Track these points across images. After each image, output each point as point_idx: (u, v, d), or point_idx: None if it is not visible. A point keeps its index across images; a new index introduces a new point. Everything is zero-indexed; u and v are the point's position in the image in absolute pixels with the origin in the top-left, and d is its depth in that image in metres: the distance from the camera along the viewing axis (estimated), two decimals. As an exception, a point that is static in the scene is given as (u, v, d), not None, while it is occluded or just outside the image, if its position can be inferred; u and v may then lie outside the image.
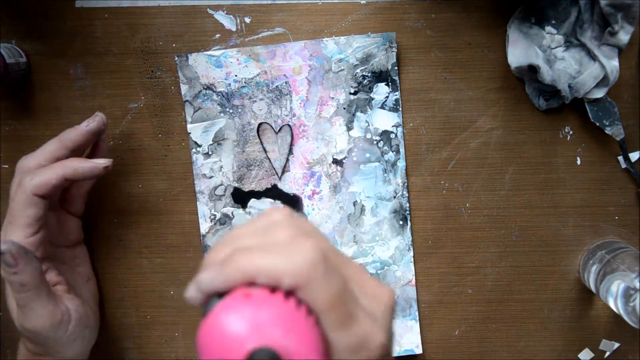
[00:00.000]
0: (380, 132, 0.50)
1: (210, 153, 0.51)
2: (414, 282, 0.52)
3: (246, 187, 0.51)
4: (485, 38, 0.49)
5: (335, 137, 0.50)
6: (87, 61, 0.50)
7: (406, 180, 0.51)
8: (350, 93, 0.50)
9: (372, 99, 0.50)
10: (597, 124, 0.49)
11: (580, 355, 0.53)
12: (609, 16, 0.45)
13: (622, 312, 0.43)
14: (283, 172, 0.51)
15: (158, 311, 0.53)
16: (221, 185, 0.51)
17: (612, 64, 0.47)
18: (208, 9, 0.49)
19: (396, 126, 0.50)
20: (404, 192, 0.51)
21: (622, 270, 0.44)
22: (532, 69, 0.47)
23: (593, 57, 0.47)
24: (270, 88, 0.50)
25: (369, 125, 0.50)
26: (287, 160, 0.51)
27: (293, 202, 0.51)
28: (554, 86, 0.47)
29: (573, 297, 0.52)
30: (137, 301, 0.53)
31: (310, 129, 0.50)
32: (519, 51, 0.48)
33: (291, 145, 0.50)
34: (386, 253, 0.51)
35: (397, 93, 0.50)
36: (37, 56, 0.50)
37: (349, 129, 0.50)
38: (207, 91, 0.50)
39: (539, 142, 0.51)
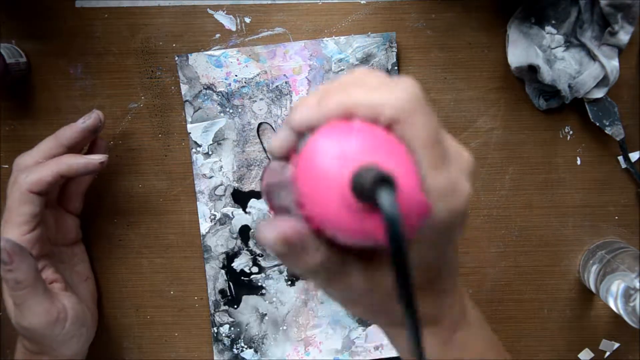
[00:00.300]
0: None
1: (210, 153, 0.51)
2: None
3: (246, 187, 0.51)
4: (485, 38, 0.49)
5: None
6: (87, 61, 0.50)
7: None
8: None
9: None
10: (597, 124, 0.49)
11: (580, 355, 0.53)
12: (609, 16, 0.45)
13: (622, 312, 0.43)
14: None
15: (158, 311, 0.53)
16: (221, 185, 0.51)
17: (612, 64, 0.47)
18: (208, 9, 0.49)
19: None
20: None
21: (622, 270, 0.44)
22: (532, 69, 0.47)
23: (593, 57, 0.47)
24: (270, 88, 0.50)
25: None
26: None
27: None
28: (554, 86, 0.47)
29: (573, 297, 0.52)
30: (137, 301, 0.53)
31: None
32: (519, 51, 0.48)
33: None
34: None
35: None
36: (37, 56, 0.50)
37: None
38: (207, 91, 0.50)
39: (539, 142, 0.51)
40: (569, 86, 0.47)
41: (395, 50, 0.49)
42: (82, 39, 0.50)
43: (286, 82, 0.50)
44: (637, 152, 0.50)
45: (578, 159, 0.51)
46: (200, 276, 0.52)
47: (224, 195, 0.51)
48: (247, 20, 0.49)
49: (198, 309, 0.53)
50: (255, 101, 0.50)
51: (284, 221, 0.24)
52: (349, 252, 0.25)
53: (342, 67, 0.49)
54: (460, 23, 0.49)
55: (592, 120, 0.49)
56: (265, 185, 0.37)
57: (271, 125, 0.50)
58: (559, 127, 0.50)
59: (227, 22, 0.49)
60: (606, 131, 0.49)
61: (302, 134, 0.25)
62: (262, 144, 0.50)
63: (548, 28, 0.47)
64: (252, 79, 0.50)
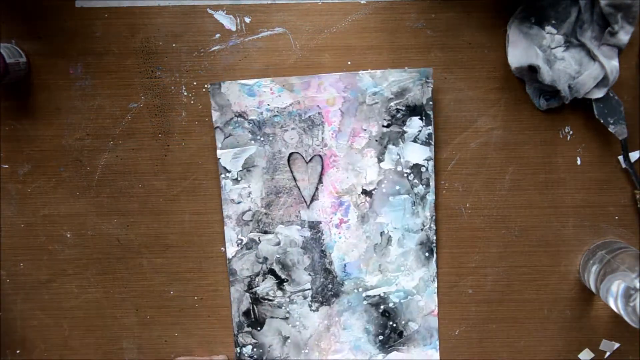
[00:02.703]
0: (411, 165, 0.50)
1: (239, 179, 0.50)
2: (436, 312, 0.52)
3: (274, 214, 0.51)
4: (485, 38, 0.49)
5: (366, 168, 0.50)
6: (87, 61, 0.50)
7: (435, 214, 0.51)
8: (383, 126, 0.50)
9: (405, 132, 0.50)
10: (602, 121, 0.49)
11: (580, 355, 0.53)
12: (609, 16, 0.45)
13: (622, 312, 0.43)
14: (312, 200, 0.51)
15: (158, 311, 0.53)
16: (249, 210, 0.51)
17: (612, 64, 0.47)
18: (208, 9, 0.49)
19: (427, 160, 0.50)
20: (432, 225, 0.51)
21: (622, 270, 0.44)
22: (532, 69, 0.47)
23: (593, 57, 0.47)
24: (302, 118, 0.50)
25: (400, 157, 0.50)
26: (317, 189, 0.51)
27: (316, 227, 0.51)
28: (554, 86, 0.47)
29: (573, 297, 0.52)
30: (137, 301, 0.53)
31: (341, 160, 0.50)
32: (519, 51, 0.48)
33: (321, 174, 0.50)
34: (410, 283, 0.51)
35: (430, 127, 0.49)
36: (37, 56, 0.50)
37: (380, 160, 0.50)
38: (239, 119, 0.50)
39: (539, 142, 0.51)
40: (569, 86, 0.47)
41: (432, 86, 0.49)
42: (82, 39, 0.50)
43: (319, 113, 0.50)
44: (637, 151, 0.50)
45: (578, 159, 0.51)
46: (200, 276, 0.52)
47: (251, 220, 0.51)
48: (247, 20, 0.49)
49: (198, 309, 0.53)
50: (287, 130, 0.50)
51: None
52: None
53: (376, 100, 0.49)
54: (460, 23, 0.49)
55: (597, 116, 0.48)
56: None
57: (302, 155, 0.50)
58: (559, 127, 0.50)
59: (227, 22, 0.49)
60: (609, 129, 0.49)
61: None
62: (292, 173, 0.50)
63: (548, 28, 0.47)
64: (285, 108, 0.49)
